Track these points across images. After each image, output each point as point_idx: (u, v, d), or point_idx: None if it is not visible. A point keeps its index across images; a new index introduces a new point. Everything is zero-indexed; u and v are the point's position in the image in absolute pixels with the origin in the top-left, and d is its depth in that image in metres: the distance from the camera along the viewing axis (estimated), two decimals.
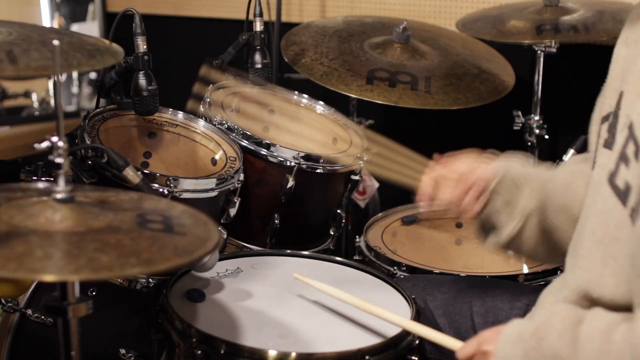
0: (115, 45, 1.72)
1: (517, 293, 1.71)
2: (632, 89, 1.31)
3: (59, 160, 1.24)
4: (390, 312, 1.57)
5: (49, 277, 1.09)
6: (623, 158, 1.26)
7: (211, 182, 1.90)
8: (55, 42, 1.22)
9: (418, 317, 1.62)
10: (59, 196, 1.24)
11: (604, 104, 1.45)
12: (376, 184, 2.80)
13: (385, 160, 1.76)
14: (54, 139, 1.24)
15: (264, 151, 2.06)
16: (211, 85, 2.24)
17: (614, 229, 1.28)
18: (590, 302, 1.32)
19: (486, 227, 1.65)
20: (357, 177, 2.19)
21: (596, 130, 1.47)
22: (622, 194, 1.26)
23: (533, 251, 1.60)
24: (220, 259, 1.78)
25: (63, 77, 3.45)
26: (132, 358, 1.85)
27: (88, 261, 1.12)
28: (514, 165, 1.61)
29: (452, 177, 1.62)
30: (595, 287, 1.31)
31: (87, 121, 1.91)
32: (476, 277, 1.95)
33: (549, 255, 1.62)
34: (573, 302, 1.35)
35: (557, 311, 1.32)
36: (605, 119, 1.41)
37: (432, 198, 1.64)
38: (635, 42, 1.39)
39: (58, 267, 1.11)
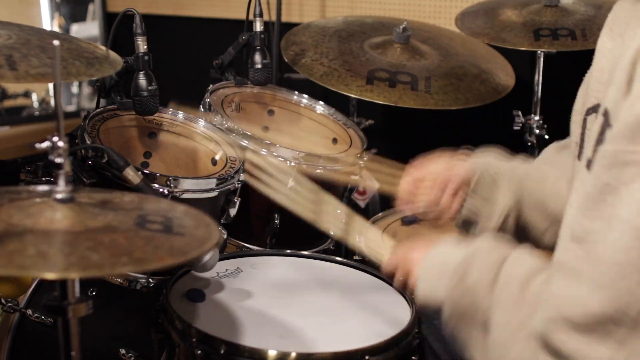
0: (113, 54, 1.72)
1: None
2: (615, 82, 1.31)
3: (59, 160, 1.24)
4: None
5: (39, 274, 1.09)
6: (600, 144, 1.26)
7: (211, 182, 1.90)
8: (56, 42, 1.22)
9: (418, 318, 1.62)
10: (59, 196, 1.23)
11: (588, 95, 1.43)
12: (376, 184, 2.80)
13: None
14: (55, 138, 1.24)
15: (264, 151, 2.05)
16: (211, 85, 2.24)
17: None
18: None
19: (465, 224, 1.65)
20: (357, 177, 2.19)
21: (578, 120, 1.46)
22: None
23: None
24: (220, 259, 1.78)
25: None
26: (132, 358, 1.85)
27: (79, 259, 1.11)
28: (490, 161, 1.61)
29: (429, 179, 1.62)
30: None
31: (87, 121, 1.91)
32: None
33: None
34: None
35: (482, 248, 1.32)
36: (591, 110, 1.39)
37: (411, 202, 1.65)
38: (619, 35, 1.37)
39: (48, 264, 1.11)
